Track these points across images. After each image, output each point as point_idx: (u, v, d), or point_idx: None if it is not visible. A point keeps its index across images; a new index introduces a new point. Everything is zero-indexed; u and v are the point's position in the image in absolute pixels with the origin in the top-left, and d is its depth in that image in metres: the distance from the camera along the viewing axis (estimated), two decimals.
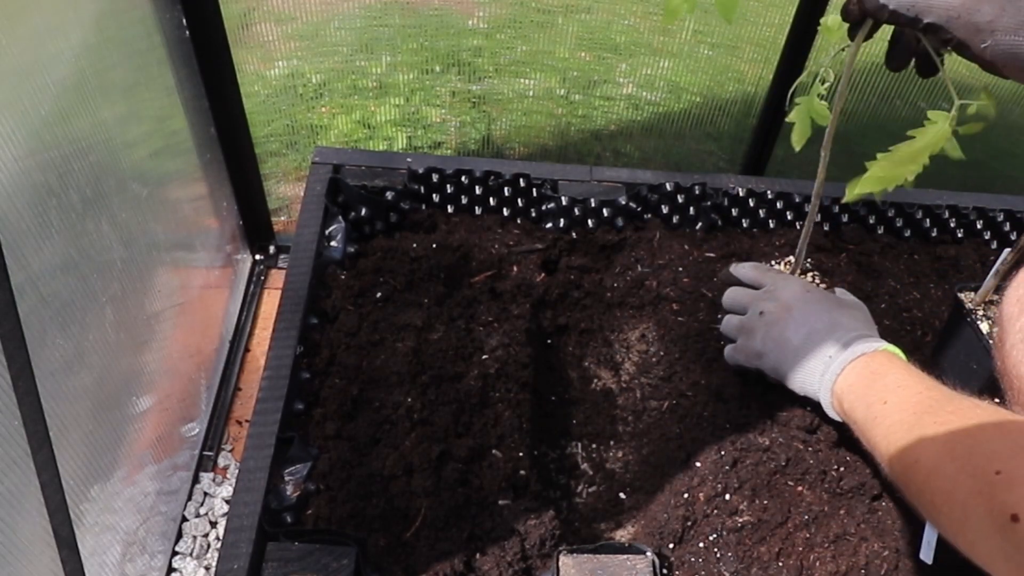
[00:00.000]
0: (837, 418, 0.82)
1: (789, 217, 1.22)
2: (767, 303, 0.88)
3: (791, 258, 1.04)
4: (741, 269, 0.99)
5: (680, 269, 1.12)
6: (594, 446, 1.00)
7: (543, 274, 1.13)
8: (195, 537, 1.19)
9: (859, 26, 0.73)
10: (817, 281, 1.02)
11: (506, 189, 1.16)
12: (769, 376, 0.89)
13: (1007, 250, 0.96)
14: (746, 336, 0.89)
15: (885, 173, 0.74)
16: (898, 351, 0.80)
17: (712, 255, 1.16)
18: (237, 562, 0.78)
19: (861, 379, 0.76)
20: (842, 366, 0.77)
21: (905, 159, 0.72)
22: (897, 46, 0.74)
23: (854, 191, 0.77)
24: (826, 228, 1.22)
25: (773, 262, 1.05)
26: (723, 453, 0.93)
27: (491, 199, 1.17)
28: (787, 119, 0.87)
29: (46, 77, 0.79)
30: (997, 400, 0.99)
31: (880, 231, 1.23)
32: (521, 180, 1.16)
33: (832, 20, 0.79)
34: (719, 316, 0.99)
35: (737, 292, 0.96)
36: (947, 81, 0.71)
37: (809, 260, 1.02)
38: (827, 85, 0.81)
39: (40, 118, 0.78)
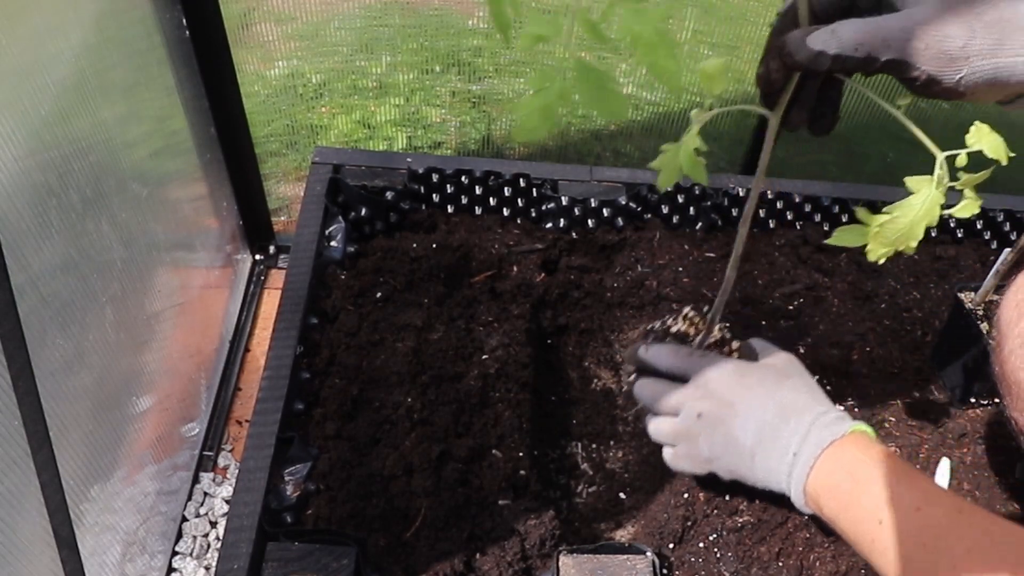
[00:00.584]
0: (811, 512, 0.71)
1: (789, 217, 1.22)
2: (702, 402, 0.75)
3: (688, 310, 0.88)
4: (656, 356, 0.82)
5: (680, 269, 1.12)
6: (594, 446, 1.00)
7: (543, 274, 1.13)
8: (195, 537, 1.19)
9: (780, 92, 0.62)
10: (728, 336, 0.86)
11: (506, 189, 1.16)
12: (724, 478, 0.78)
13: (1007, 250, 0.96)
14: (688, 442, 0.77)
15: (883, 248, 0.62)
16: (865, 427, 0.72)
17: (712, 255, 1.16)
18: (237, 562, 0.78)
19: (839, 482, 0.66)
20: (809, 464, 0.68)
21: (898, 236, 0.60)
22: (799, 99, 0.64)
23: (840, 240, 0.64)
24: (826, 228, 1.22)
25: (671, 319, 0.88)
26: None
27: (491, 199, 1.17)
28: (649, 165, 0.71)
29: (46, 77, 0.79)
30: (996, 400, 0.99)
31: None
32: (521, 180, 1.16)
33: (712, 65, 0.63)
34: (630, 412, 0.87)
35: (659, 387, 0.81)
36: (924, 139, 0.58)
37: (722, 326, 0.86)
38: (705, 119, 0.65)
39: (40, 118, 0.78)
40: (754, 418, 0.71)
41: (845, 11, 0.58)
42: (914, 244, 0.60)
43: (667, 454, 0.81)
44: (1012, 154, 0.61)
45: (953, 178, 0.59)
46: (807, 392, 0.75)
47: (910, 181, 0.59)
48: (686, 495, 0.88)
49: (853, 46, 0.53)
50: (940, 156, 0.57)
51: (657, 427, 0.81)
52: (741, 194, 1.19)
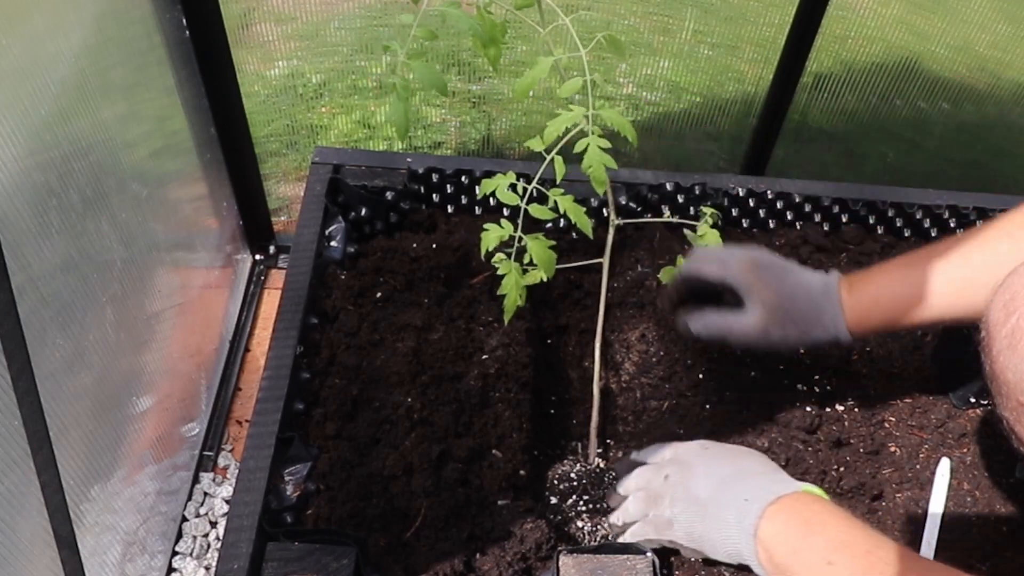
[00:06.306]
0: (764, 574, 0.72)
1: (789, 217, 1.22)
2: (669, 467, 0.82)
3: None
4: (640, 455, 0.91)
5: None
6: None
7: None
8: (195, 537, 1.19)
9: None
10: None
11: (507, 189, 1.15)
12: (685, 550, 0.80)
13: None
14: (654, 504, 0.81)
15: None
16: (820, 491, 0.75)
17: None
18: (237, 562, 0.78)
19: (792, 528, 0.70)
20: (762, 508, 0.70)
21: None
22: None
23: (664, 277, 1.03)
24: (826, 228, 1.22)
25: (580, 443, 0.98)
26: None
27: (491, 199, 1.17)
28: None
29: (46, 77, 0.79)
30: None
31: (880, 231, 1.23)
32: (521, 180, 1.15)
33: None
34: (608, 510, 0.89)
35: (632, 474, 0.88)
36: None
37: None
38: None
39: (40, 118, 0.78)
40: (713, 475, 0.76)
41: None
42: None
43: (631, 530, 0.84)
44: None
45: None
46: (766, 463, 0.80)
47: (699, 229, 1.04)
48: None
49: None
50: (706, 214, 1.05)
51: (624, 508, 0.85)
52: (741, 194, 1.19)
